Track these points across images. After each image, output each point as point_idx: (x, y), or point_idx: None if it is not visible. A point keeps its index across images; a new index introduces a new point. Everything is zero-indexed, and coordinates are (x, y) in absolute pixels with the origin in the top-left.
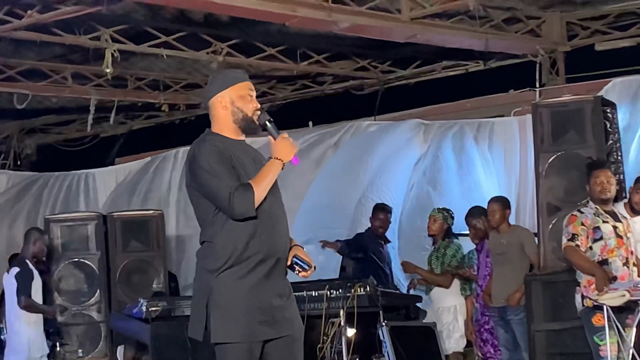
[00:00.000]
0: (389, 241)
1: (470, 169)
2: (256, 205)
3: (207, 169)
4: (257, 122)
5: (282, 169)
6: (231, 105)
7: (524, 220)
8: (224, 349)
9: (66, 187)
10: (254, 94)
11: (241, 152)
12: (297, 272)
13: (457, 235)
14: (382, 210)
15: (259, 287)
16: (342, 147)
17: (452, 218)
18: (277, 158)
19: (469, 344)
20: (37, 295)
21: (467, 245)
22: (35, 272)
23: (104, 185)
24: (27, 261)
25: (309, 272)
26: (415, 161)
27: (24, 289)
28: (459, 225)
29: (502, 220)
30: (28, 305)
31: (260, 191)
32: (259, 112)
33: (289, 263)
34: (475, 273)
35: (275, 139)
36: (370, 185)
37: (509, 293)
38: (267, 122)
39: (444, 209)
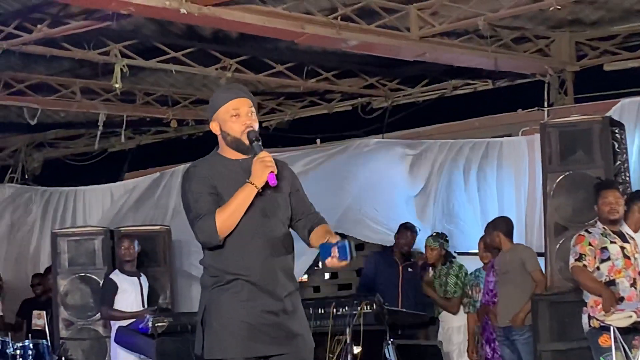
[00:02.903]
0: (409, 260)
1: (479, 189)
2: (226, 232)
3: (185, 197)
4: (247, 143)
5: (259, 191)
6: (221, 130)
7: (531, 240)
8: None
9: (73, 203)
10: (244, 109)
11: (236, 174)
12: (332, 257)
13: (454, 256)
14: (409, 230)
15: (251, 304)
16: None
17: (447, 242)
18: (250, 182)
19: None
20: (127, 301)
21: (475, 264)
22: (124, 279)
23: (110, 201)
24: (117, 269)
25: (345, 262)
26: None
27: (102, 300)
28: (470, 243)
29: (498, 240)
30: (106, 317)
31: (224, 218)
32: (249, 129)
33: (336, 240)
34: (480, 292)
35: None
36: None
37: (513, 313)
38: (254, 140)
39: (438, 235)
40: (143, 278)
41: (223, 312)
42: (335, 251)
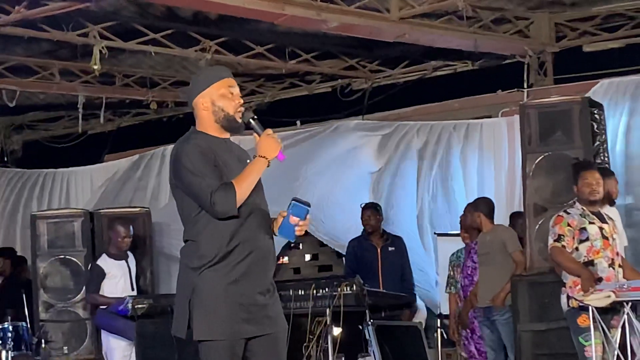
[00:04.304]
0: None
1: (460, 170)
2: (239, 204)
3: (190, 168)
4: (240, 120)
5: (268, 166)
6: (212, 105)
7: None
8: (206, 347)
9: (51, 185)
10: (236, 90)
11: (225, 151)
12: (297, 227)
13: None
14: (365, 209)
15: (241, 284)
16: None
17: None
18: (261, 156)
19: (452, 343)
20: (116, 287)
21: (457, 244)
22: (112, 264)
23: (89, 183)
24: (104, 254)
25: (308, 215)
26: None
27: (88, 286)
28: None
29: (478, 221)
30: (93, 303)
31: (242, 190)
32: (242, 109)
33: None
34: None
35: (259, 136)
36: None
37: (493, 293)
38: (251, 120)
39: None
40: (130, 258)
41: (216, 294)
42: (294, 219)
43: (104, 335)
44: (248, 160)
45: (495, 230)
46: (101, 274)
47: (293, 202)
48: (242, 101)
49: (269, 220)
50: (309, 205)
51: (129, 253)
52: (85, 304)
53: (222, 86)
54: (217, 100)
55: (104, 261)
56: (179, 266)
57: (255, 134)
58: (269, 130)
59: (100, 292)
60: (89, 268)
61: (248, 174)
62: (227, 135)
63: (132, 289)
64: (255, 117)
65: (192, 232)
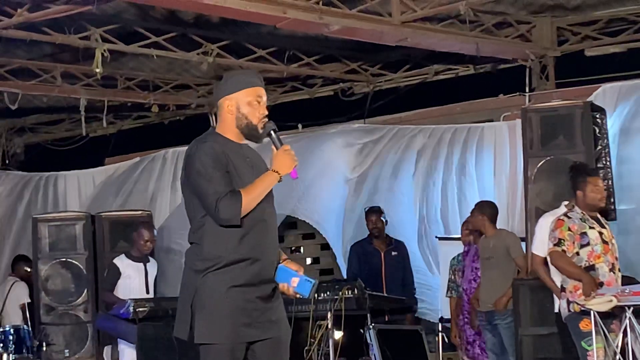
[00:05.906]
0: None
1: (460, 174)
2: (244, 214)
3: (200, 171)
4: (261, 131)
5: (280, 181)
6: (237, 110)
7: (513, 224)
8: (207, 350)
9: (52, 188)
10: (264, 99)
11: (240, 157)
12: (290, 286)
13: None
14: (371, 213)
15: (244, 289)
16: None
17: None
18: (275, 170)
19: (454, 347)
20: (130, 287)
21: (457, 249)
22: (129, 265)
23: (91, 186)
24: (124, 254)
25: (299, 296)
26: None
27: (105, 284)
28: (450, 229)
29: (483, 224)
30: (106, 301)
31: (249, 201)
32: (265, 120)
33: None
34: (461, 276)
35: (277, 149)
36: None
37: (496, 297)
38: (272, 132)
39: None
40: (151, 263)
41: (218, 297)
42: (295, 282)
43: (120, 342)
44: (262, 167)
45: (499, 235)
46: (117, 273)
47: (314, 282)
48: (266, 112)
49: (275, 229)
50: (314, 281)
51: (151, 258)
52: (86, 307)
53: (251, 94)
54: (242, 107)
55: (120, 261)
56: (183, 269)
57: (273, 147)
58: (287, 146)
59: (115, 292)
60: (107, 267)
61: (258, 185)
62: (244, 140)
63: (147, 292)
64: (276, 129)
65: (197, 235)
